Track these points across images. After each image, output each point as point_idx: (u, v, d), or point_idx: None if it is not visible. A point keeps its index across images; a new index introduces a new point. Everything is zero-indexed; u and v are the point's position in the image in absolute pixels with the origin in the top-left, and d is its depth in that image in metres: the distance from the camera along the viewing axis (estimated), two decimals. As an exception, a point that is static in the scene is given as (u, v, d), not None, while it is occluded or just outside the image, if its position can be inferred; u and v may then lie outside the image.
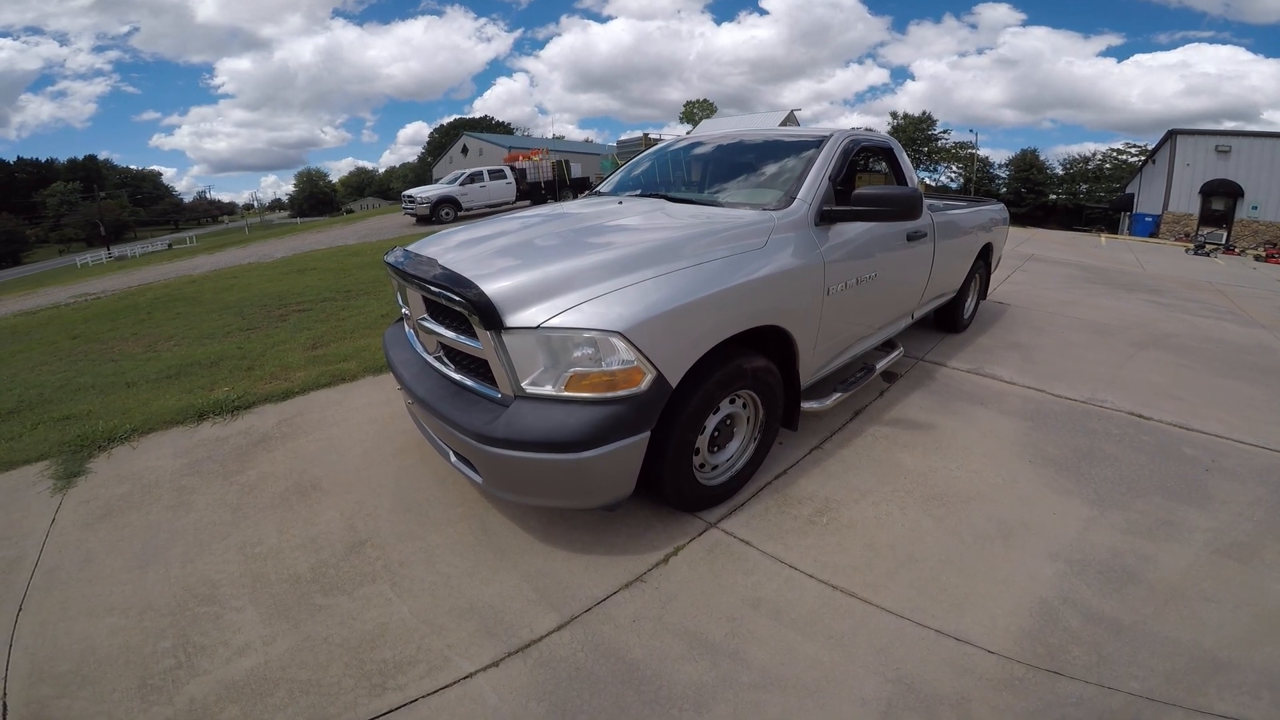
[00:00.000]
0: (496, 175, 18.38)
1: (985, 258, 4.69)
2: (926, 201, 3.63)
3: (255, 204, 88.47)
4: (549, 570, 1.93)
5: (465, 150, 46.00)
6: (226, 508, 2.38)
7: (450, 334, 1.97)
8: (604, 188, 3.57)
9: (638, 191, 3.21)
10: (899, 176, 3.31)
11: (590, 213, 2.66)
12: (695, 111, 55.96)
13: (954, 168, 50.06)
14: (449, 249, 2.20)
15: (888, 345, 3.44)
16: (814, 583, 1.90)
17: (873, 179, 3.50)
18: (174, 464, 2.76)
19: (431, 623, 1.73)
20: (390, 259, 2.32)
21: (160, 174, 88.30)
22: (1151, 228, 22.29)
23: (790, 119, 38.32)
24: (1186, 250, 16.17)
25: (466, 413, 1.81)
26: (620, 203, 2.92)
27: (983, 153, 56.15)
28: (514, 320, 1.68)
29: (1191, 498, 2.45)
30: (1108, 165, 45.46)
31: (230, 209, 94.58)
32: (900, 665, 1.62)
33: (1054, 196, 46.51)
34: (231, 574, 2.00)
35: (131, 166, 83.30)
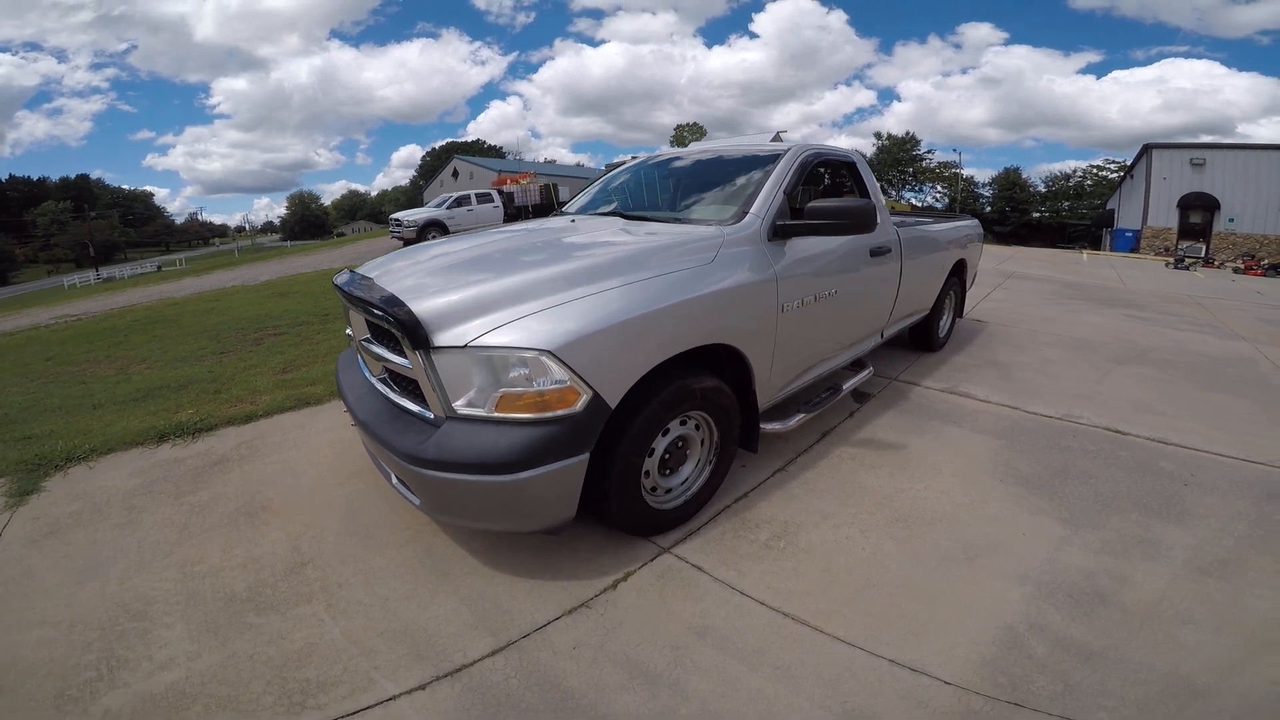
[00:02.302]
0: (484, 199, 18.49)
1: (959, 275, 4.70)
2: (895, 218, 3.65)
3: (247, 226, 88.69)
4: (490, 594, 1.89)
5: (455, 174, 46.32)
6: (174, 527, 2.37)
7: (388, 355, 1.94)
8: (570, 207, 3.57)
9: (600, 210, 3.21)
10: (861, 192, 3.30)
11: (540, 230, 2.64)
12: (685, 135, 56.82)
13: (939, 187, 50.82)
14: (391, 269, 2.19)
15: (857, 365, 3.41)
16: (764, 610, 1.84)
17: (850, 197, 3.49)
18: (128, 484, 2.75)
19: (361, 644, 1.71)
20: (337, 281, 2.30)
21: (152, 194, 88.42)
22: (1132, 243, 22.62)
23: (776, 140, 38.95)
24: (1166, 265, 16.40)
25: (401, 435, 1.78)
26: (573, 221, 2.92)
27: (967, 172, 57.02)
28: (441, 339, 1.66)
29: (1170, 514, 2.40)
30: (1089, 182, 46.23)
31: (222, 231, 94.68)
32: (849, 699, 1.55)
33: (1037, 214, 47.05)
34: (167, 591, 1.99)
35: (124, 186, 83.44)
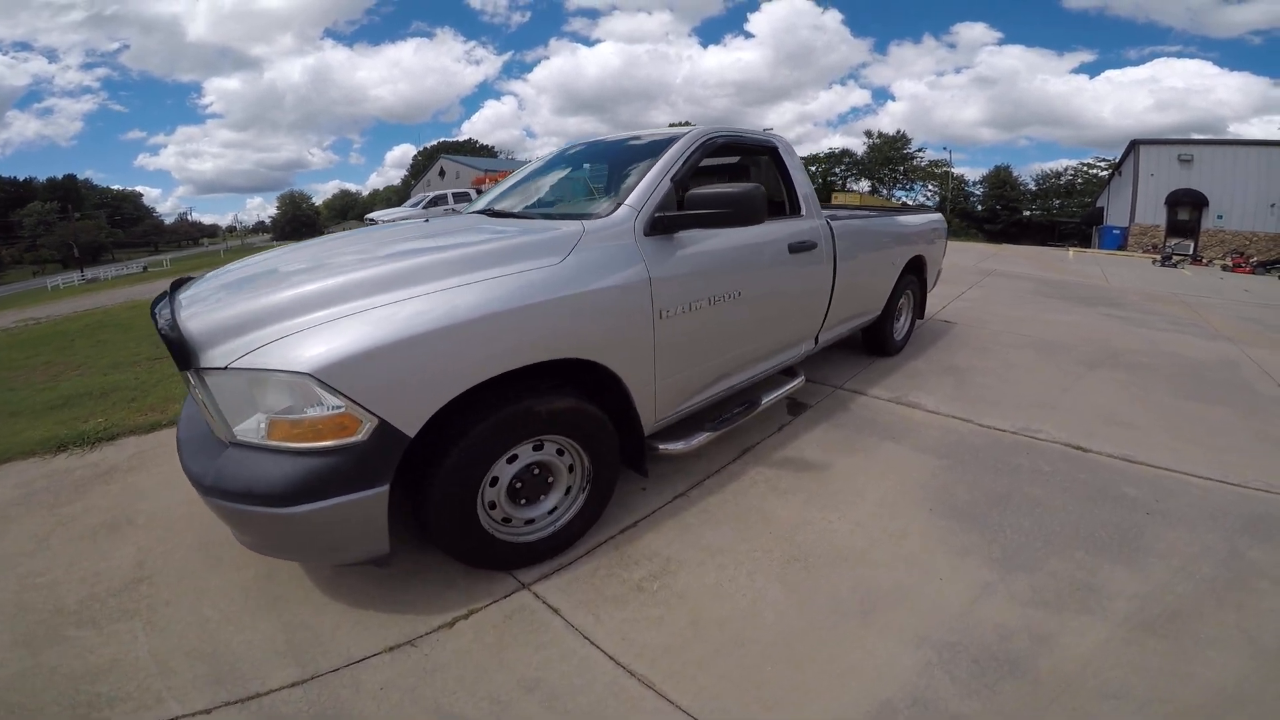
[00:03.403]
0: (461, 198, 18.18)
1: (918, 272, 4.32)
2: (829, 211, 3.28)
3: (238, 226, 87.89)
4: (315, 623, 1.76)
5: (442, 173, 45.93)
6: (35, 539, 2.31)
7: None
8: (466, 206, 3.23)
9: (481, 207, 2.87)
10: (785, 181, 2.92)
11: (381, 232, 2.42)
12: (676, 133, 56.33)
13: (931, 186, 50.54)
14: (197, 282, 2.02)
15: (788, 373, 3.04)
16: (610, 665, 1.60)
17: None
18: (9, 494, 2.68)
19: (163, 663, 1.65)
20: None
21: (141, 195, 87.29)
22: (1120, 240, 22.34)
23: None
24: (1154, 262, 16.10)
25: (195, 458, 1.64)
26: (427, 220, 2.64)
27: (959, 171, 56.84)
28: (206, 359, 1.50)
29: (1122, 552, 2.03)
30: (1079, 180, 46.09)
31: (212, 231, 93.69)
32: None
33: (1028, 213, 46.86)
34: (1, 602, 1.95)
35: (114, 186, 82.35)
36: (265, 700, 1.52)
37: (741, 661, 1.61)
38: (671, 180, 2.21)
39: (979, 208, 48.12)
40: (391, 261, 1.73)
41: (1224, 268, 16.53)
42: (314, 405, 1.41)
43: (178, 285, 2.05)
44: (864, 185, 51.76)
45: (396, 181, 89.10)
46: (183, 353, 1.49)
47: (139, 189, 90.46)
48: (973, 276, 8.97)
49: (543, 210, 2.55)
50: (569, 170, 3.01)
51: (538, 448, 1.87)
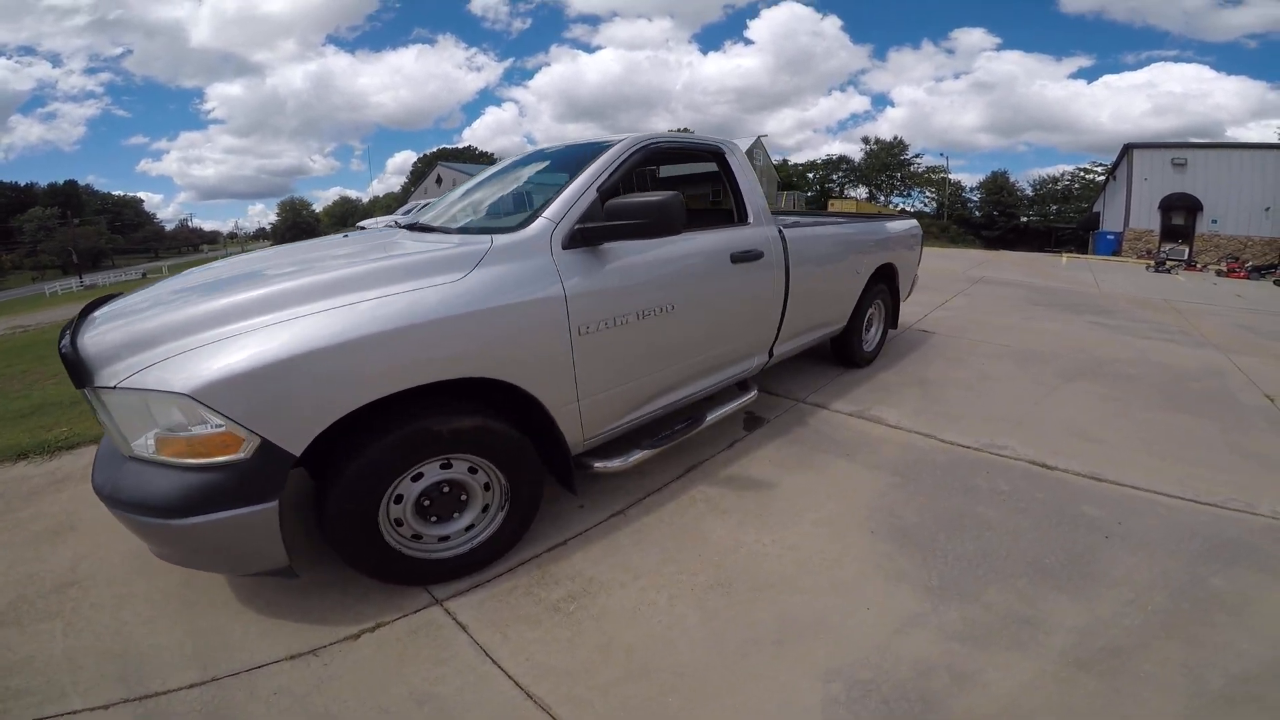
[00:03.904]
0: (452, 202, 18.02)
1: (888, 281, 4.21)
2: (788, 219, 3.17)
3: (239, 233, 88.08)
4: (225, 629, 1.80)
5: (439, 180, 45.86)
6: None
7: None
8: (405, 218, 3.16)
9: (416, 220, 2.79)
10: (732, 188, 2.81)
11: (299, 249, 2.44)
12: (674, 139, 56.42)
13: (928, 192, 50.59)
14: (116, 300, 2.02)
15: (742, 386, 2.92)
16: (509, 685, 1.58)
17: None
18: None
19: (75, 661, 1.71)
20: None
21: (142, 200, 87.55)
22: (1114, 245, 22.19)
23: (758, 145, 38.68)
24: (1147, 268, 15.99)
25: (100, 470, 1.68)
26: (345, 235, 2.65)
27: (956, 177, 56.82)
28: (100, 378, 1.54)
29: (1071, 580, 1.91)
30: (1076, 185, 46.08)
31: (213, 238, 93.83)
32: None
33: (1025, 218, 46.84)
34: None
35: (115, 192, 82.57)
36: (161, 699, 1.57)
37: (645, 691, 1.55)
38: (598, 191, 2.13)
39: (977, 214, 48.05)
40: (288, 280, 1.72)
41: (1218, 273, 16.39)
42: (198, 424, 1.45)
43: (97, 304, 2.06)
44: (861, 192, 51.78)
45: (397, 188, 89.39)
46: (77, 372, 1.53)
47: (141, 195, 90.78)
48: (960, 284, 8.86)
49: (464, 224, 2.46)
50: (508, 182, 2.91)
51: (445, 466, 1.84)
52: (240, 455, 1.46)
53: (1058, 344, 5.13)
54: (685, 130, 62.27)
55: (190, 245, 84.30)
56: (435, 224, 2.57)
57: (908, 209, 48.27)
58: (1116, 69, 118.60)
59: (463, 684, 1.58)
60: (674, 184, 4.02)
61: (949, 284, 8.73)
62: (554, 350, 1.92)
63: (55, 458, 3.08)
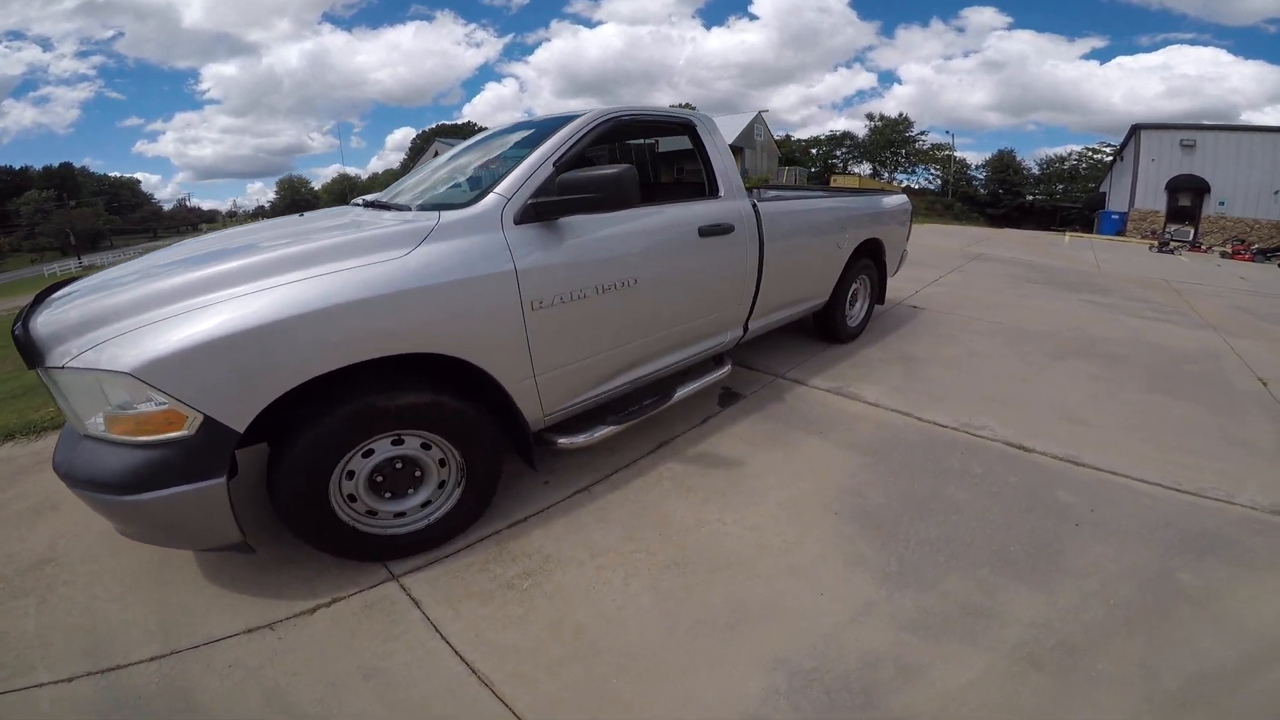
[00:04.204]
0: (447, 179, 17.78)
1: (875, 256, 4.10)
2: (769, 193, 3.07)
3: (238, 211, 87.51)
4: (191, 604, 1.83)
5: (436, 154, 45.43)
6: None
7: None
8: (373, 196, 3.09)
9: (378, 198, 2.76)
10: (704, 161, 2.71)
11: (256, 229, 2.44)
12: (675, 115, 55.44)
13: (933, 169, 49.88)
14: (78, 282, 2.01)
15: (718, 360, 2.85)
16: (455, 661, 1.58)
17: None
18: None
19: (45, 637, 1.74)
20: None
21: (139, 181, 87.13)
22: (1118, 225, 21.85)
23: (758, 121, 37.97)
24: (1151, 248, 15.75)
25: (61, 449, 1.70)
26: (302, 214, 2.66)
27: (963, 154, 56.02)
28: (50, 358, 1.55)
29: (1034, 570, 1.84)
30: (1083, 165, 45.37)
31: (211, 217, 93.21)
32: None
33: (1031, 197, 46.24)
34: None
35: (112, 174, 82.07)
36: (122, 672, 1.60)
37: (590, 671, 1.53)
38: (554, 165, 2.08)
39: (982, 192, 47.43)
40: (237, 258, 1.73)
41: (1222, 255, 16.15)
42: (143, 402, 1.46)
43: (53, 289, 2.05)
44: (865, 168, 51.08)
45: (396, 165, 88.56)
46: (28, 352, 1.56)
47: (138, 176, 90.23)
48: (957, 260, 8.73)
49: (423, 201, 2.40)
50: (477, 156, 2.82)
51: (397, 442, 1.83)
52: (185, 432, 1.49)
53: (1049, 322, 5.03)
54: (688, 105, 61.27)
55: (189, 225, 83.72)
56: (395, 201, 2.53)
57: (913, 186, 47.75)
58: (1131, 50, 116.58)
59: (410, 659, 1.59)
60: (648, 158, 3.93)
61: (946, 260, 8.60)
62: (505, 326, 1.90)
63: (41, 438, 3.08)
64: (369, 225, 1.96)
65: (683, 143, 2.80)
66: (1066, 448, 2.63)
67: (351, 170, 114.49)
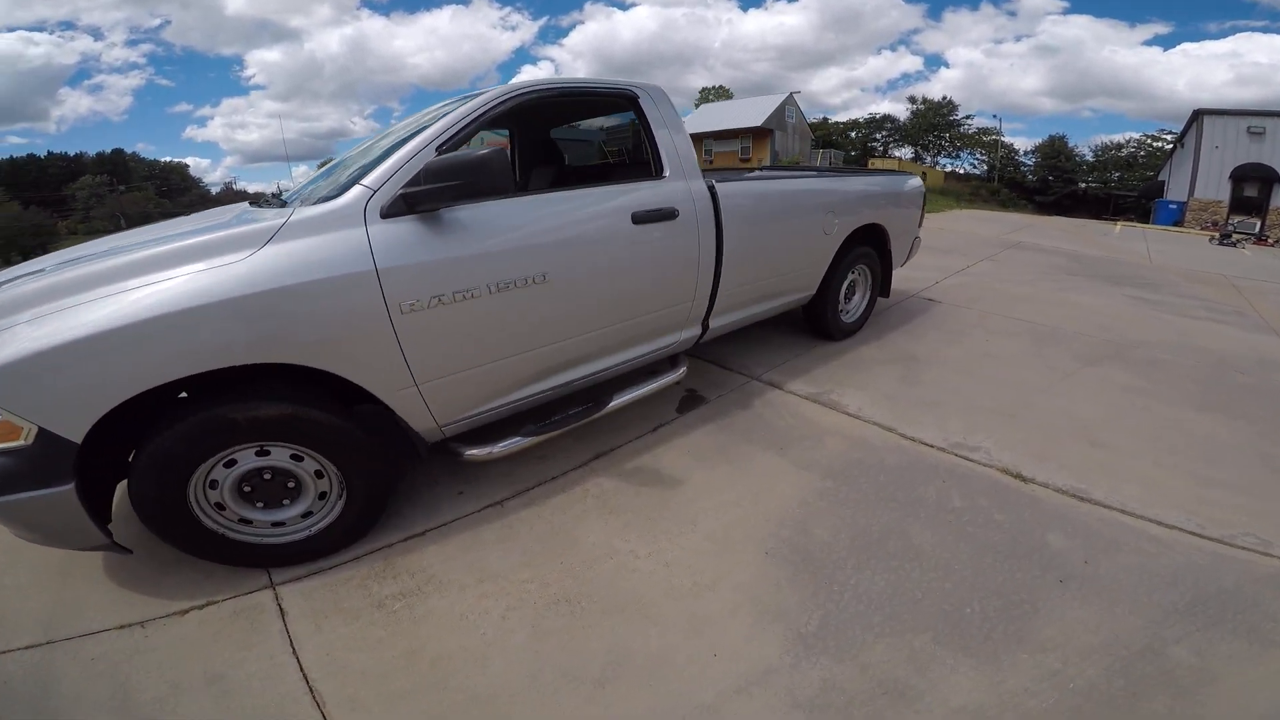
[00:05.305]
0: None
1: (877, 244, 3.67)
2: (752, 173, 2.71)
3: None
4: (84, 598, 1.83)
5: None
6: None
7: None
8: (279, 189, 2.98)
9: (274, 192, 2.69)
10: (648, 137, 2.37)
11: (131, 233, 2.41)
12: (711, 97, 54.25)
13: (979, 154, 47.64)
14: None
15: (672, 362, 2.52)
16: (298, 678, 1.52)
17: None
18: None
19: None
20: None
21: (187, 166, 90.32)
22: (1176, 215, 20.37)
23: (790, 102, 36.68)
24: (1211, 240, 14.55)
25: None
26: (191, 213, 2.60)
27: (1011, 140, 53.36)
28: None
29: (990, 637, 1.49)
30: (1141, 153, 42.72)
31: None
32: None
33: (1084, 184, 43.81)
34: None
35: (164, 159, 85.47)
36: None
37: (431, 709, 1.43)
38: (437, 151, 1.86)
39: (1030, 178, 45.18)
40: (84, 266, 1.66)
41: (1294, 247, 14.84)
42: None
43: None
44: (907, 152, 49.14)
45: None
46: None
47: (188, 160, 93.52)
48: (990, 249, 8.10)
49: (305, 195, 2.18)
50: (389, 140, 2.54)
51: (262, 453, 1.75)
52: (23, 442, 1.50)
53: (1083, 321, 4.49)
54: (721, 88, 59.56)
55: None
56: (283, 195, 2.38)
57: (958, 171, 45.79)
58: (1196, 37, 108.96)
59: (257, 670, 1.56)
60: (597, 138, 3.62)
61: (979, 248, 7.99)
62: (367, 331, 1.72)
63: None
64: (227, 225, 1.82)
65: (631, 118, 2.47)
66: (1074, 478, 2.22)
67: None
